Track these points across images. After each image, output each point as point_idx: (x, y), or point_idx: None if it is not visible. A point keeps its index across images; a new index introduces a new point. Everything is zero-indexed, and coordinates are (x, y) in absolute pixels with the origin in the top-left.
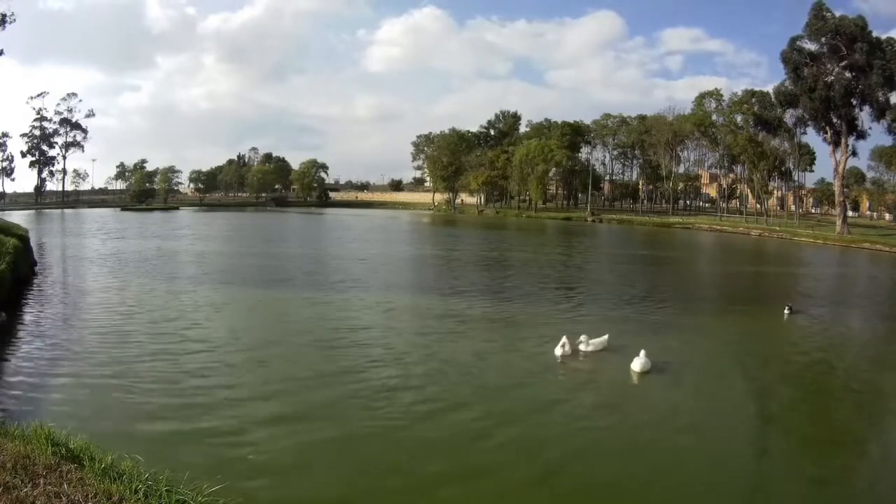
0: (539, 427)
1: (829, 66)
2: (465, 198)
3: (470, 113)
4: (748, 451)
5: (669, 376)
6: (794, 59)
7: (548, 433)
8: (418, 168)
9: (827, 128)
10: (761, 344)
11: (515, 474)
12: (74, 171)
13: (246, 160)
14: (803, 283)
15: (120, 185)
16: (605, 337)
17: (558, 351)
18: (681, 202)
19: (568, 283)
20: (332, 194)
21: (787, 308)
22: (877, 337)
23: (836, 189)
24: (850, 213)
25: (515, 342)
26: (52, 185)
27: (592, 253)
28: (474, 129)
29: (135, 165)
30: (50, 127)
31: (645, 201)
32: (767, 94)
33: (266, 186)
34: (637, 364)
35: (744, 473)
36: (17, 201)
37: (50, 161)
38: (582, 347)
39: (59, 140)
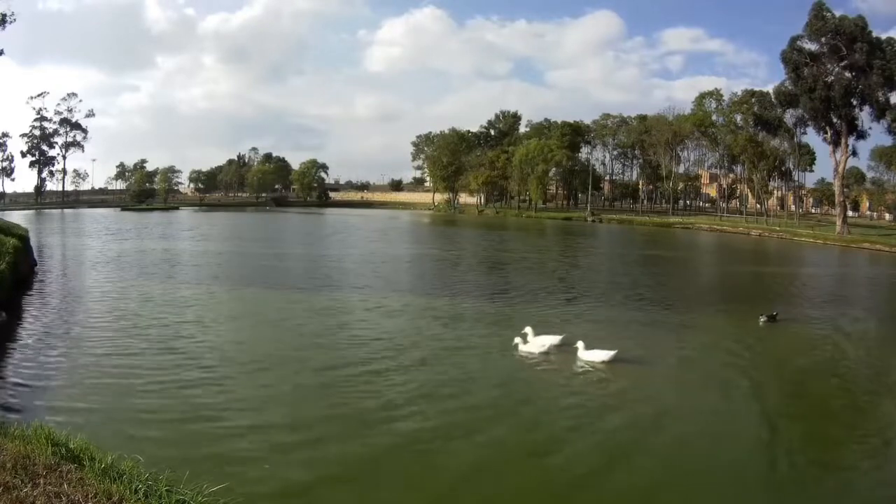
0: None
1: (829, 66)
2: (465, 198)
3: (470, 113)
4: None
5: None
6: (794, 59)
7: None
8: (418, 168)
9: (827, 128)
10: (737, 346)
11: None
12: (74, 171)
13: (246, 160)
14: (799, 283)
15: (120, 185)
16: (560, 337)
17: (527, 349)
18: (681, 202)
19: (572, 285)
20: (332, 194)
21: (763, 317)
22: (862, 342)
23: (836, 189)
24: (850, 213)
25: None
26: (52, 185)
27: (593, 254)
28: (474, 129)
29: (135, 165)
30: (50, 127)
31: (645, 201)
32: (767, 94)
33: (266, 186)
34: (586, 353)
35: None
36: (17, 201)
37: (50, 161)
38: (528, 340)
39: (59, 140)
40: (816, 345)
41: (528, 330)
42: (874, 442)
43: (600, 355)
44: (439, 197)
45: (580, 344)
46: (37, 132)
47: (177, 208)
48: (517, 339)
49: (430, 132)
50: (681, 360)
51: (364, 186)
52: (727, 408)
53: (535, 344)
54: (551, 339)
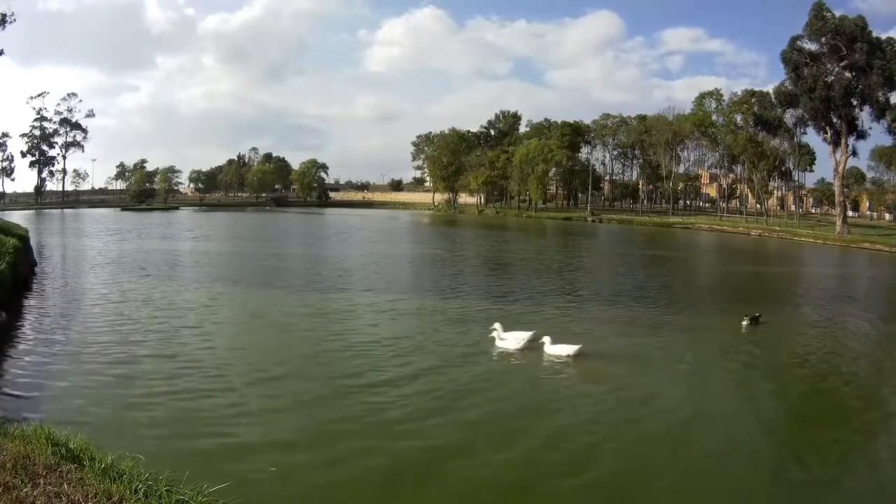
0: None
1: (829, 66)
2: (465, 198)
3: (470, 113)
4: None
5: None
6: (794, 59)
7: None
8: (418, 168)
9: (827, 128)
10: (715, 346)
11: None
12: (74, 171)
13: (246, 160)
14: (796, 283)
15: (120, 185)
16: (530, 333)
17: (505, 344)
18: (681, 202)
19: (574, 285)
20: (332, 194)
21: (745, 319)
22: (847, 341)
23: (836, 189)
24: (850, 213)
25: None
26: (52, 185)
27: (595, 254)
28: (474, 129)
29: (135, 165)
30: (50, 127)
31: (645, 201)
32: (767, 94)
33: (266, 186)
34: (552, 348)
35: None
36: (17, 201)
37: (50, 161)
38: (500, 336)
39: (59, 140)
40: (795, 344)
41: (497, 326)
42: (844, 446)
43: (565, 349)
44: (439, 197)
45: (546, 339)
46: (37, 132)
47: (177, 208)
48: (494, 334)
49: (430, 132)
50: (650, 356)
51: (364, 186)
52: (685, 404)
53: (512, 340)
54: (522, 335)
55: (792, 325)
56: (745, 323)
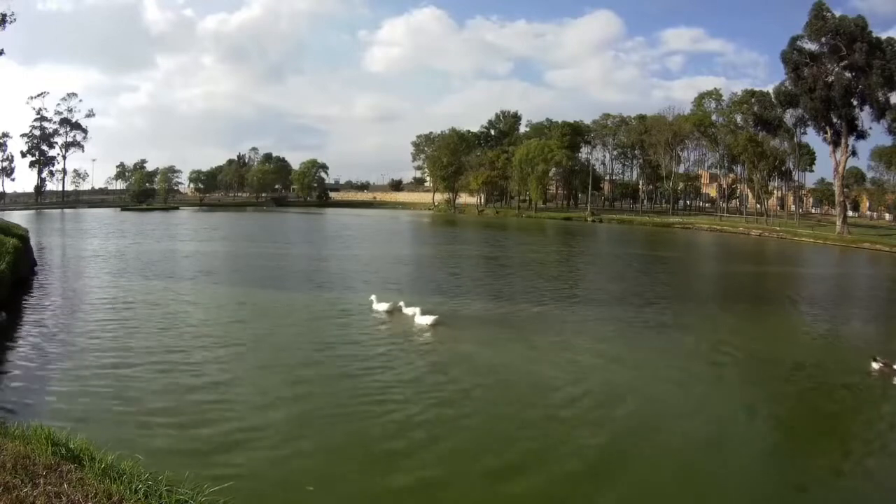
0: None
1: (829, 65)
2: (465, 198)
3: (470, 113)
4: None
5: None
6: (794, 59)
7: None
8: (418, 168)
9: (827, 128)
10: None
11: None
12: (74, 171)
13: (246, 160)
14: (795, 284)
15: (120, 185)
16: (390, 303)
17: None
18: (681, 202)
19: (576, 287)
20: (332, 194)
21: (875, 362)
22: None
23: (836, 189)
24: (850, 213)
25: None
26: (52, 185)
27: (598, 254)
28: (474, 129)
29: (135, 165)
30: (50, 127)
31: (645, 201)
32: (767, 94)
33: (266, 186)
34: (421, 318)
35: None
36: (17, 201)
37: (50, 161)
38: (374, 306)
39: (59, 140)
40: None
41: (373, 297)
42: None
43: (428, 319)
44: (439, 197)
45: (417, 310)
46: (37, 132)
47: (177, 208)
48: (374, 305)
49: (431, 132)
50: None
51: (364, 186)
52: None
53: (382, 307)
54: (385, 304)
55: (786, 320)
56: (876, 366)
